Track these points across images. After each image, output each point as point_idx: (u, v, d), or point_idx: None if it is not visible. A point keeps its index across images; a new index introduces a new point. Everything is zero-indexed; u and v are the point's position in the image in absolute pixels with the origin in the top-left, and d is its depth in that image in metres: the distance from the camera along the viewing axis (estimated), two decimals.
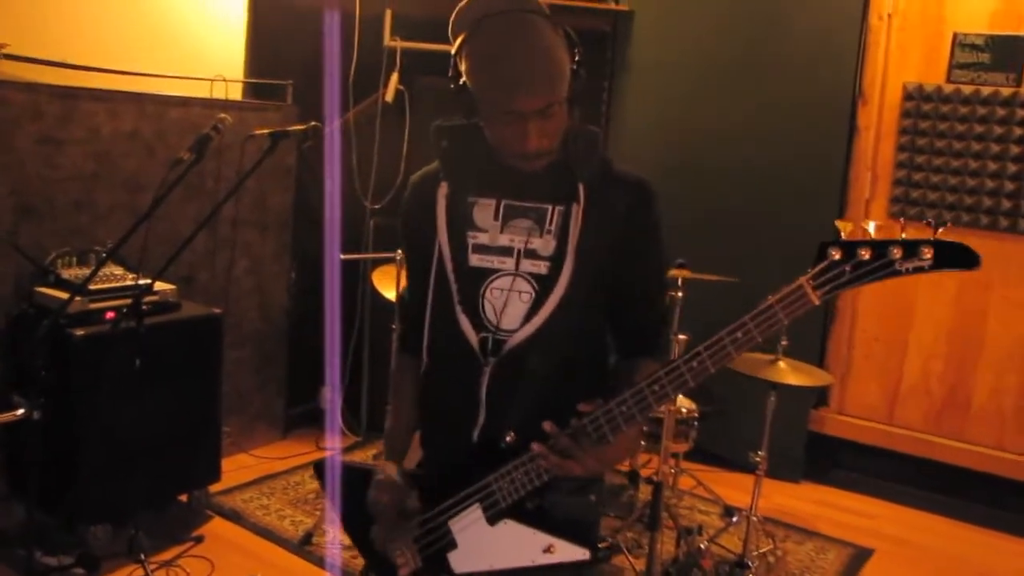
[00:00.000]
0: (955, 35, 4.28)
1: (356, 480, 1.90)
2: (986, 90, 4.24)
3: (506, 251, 1.76)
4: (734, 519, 3.90)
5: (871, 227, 1.45)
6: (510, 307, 1.75)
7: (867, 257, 1.44)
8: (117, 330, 3.16)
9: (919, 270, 1.43)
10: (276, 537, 3.75)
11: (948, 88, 4.32)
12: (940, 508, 4.47)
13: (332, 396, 4.89)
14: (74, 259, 3.59)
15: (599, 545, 1.71)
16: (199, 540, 3.64)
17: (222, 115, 2.82)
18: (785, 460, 4.60)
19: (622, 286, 1.79)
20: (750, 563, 3.42)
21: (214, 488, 3.97)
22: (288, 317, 4.70)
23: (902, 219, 1.46)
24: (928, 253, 1.41)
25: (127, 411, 3.30)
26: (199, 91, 4.15)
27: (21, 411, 2.68)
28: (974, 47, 4.26)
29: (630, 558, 3.64)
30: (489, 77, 1.65)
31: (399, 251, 3.68)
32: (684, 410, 3.81)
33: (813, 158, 4.50)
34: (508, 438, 1.71)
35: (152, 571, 3.26)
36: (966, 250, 1.41)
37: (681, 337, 3.37)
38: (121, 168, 3.81)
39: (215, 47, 4.29)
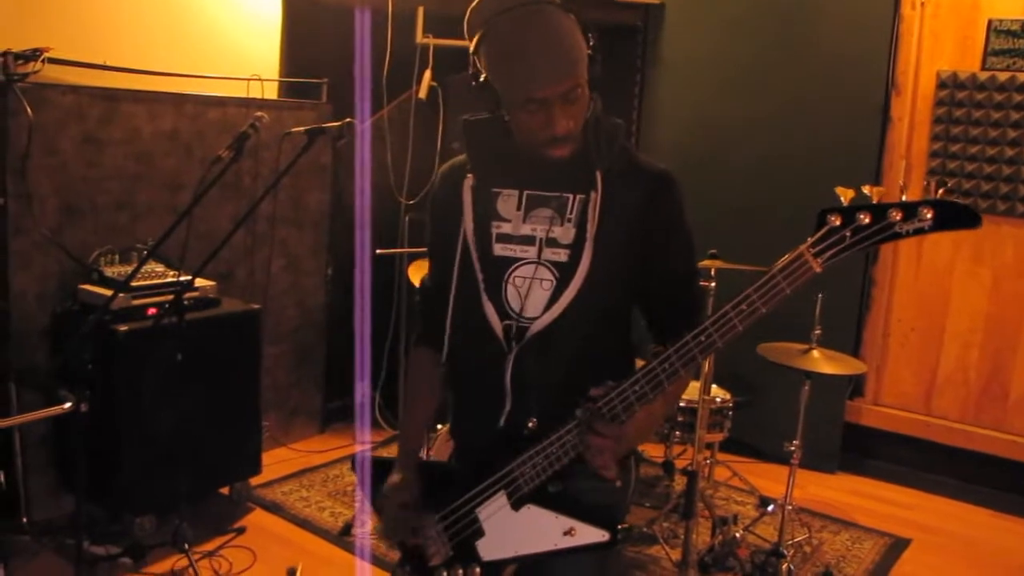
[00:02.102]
0: (990, 21, 4.24)
1: (384, 473, 1.96)
2: (1022, 76, 4.19)
3: (528, 240, 1.80)
4: (769, 508, 3.90)
5: (871, 192, 1.44)
6: (532, 295, 1.78)
7: (867, 221, 1.41)
8: (159, 326, 3.23)
9: (919, 231, 1.39)
10: (316, 528, 3.82)
11: (983, 75, 4.29)
12: (977, 498, 4.44)
13: (363, 391, 4.95)
14: (116, 257, 3.68)
15: (619, 527, 1.73)
16: (241, 531, 3.71)
17: (259, 113, 2.88)
18: (820, 451, 4.59)
19: (650, 274, 1.81)
20: (785, 552, 3.43)
21: (255, 481, 4.05)
22: (325, 313, 4.77)
23: (901, 182, 1.44)
24: (928, 214, 1.38)
25: (170, 405, 3.37)
26: (236, 91, 4.22)
27: (69, 404, 2.76)
28: (1010, 33, 4.22)
29: (666, 547, 3.66)
30: (510, 70, 1.68)
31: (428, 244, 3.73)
32: (718, 400, 3.83)
33: (846, 149, 4.48)
34: (530, 424, 1.73)
35: (196, 561, 3.33)
36: (966, 209, 1.38)
37: None
38: (161, 168, 3.89)
39: (251, 47, 4.36)
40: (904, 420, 4.66)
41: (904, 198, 1.40)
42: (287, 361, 4.61)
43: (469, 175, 1.85)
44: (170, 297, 3.29)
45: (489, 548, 1.81)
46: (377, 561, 3.56)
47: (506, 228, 1.82)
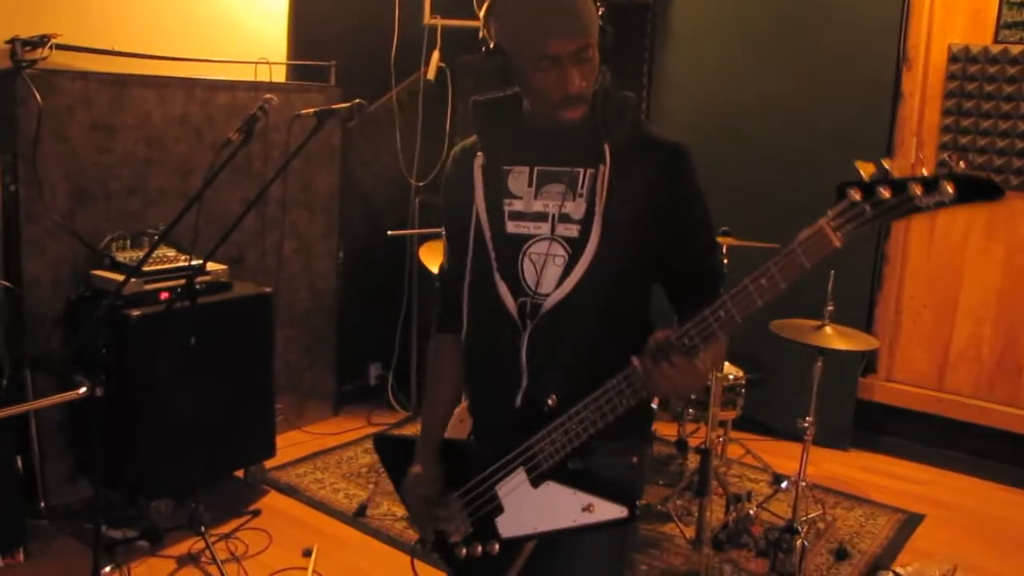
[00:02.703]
0: None
1: (407, 453, 1.98)
2: None
3: (541, 216, 1.79)
4: (783, 485, 3.91)
5: (892, 166, 1.40)
6: (546, 271, 1.77)
7: (887, 196, 1.38)
8: (172, 310, 3.24)
9: (940, 205, 1.37)
10: (331, 510, 3.84)
11: (995, 49, 4.25)
12: (991, 473, 4.43)
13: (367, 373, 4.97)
14: (128, 242, 3.69)
15: (638, 503, 1.73)
16: (256, 513, 3.74)
17: (268, 95, 2.87)
18: (834, 428, 4.59)
19: (668, 249, 1.78)
20: (799, 528, 3.44)
21: (269, 464, 4.07)
22: (337, 296, 4.78)
23: (920, 155, 1.43)
24: (950, 188, 1.35)
25: (183, 389, 3.39)
26: (244, 74, 4.21)
27: (84, 389, 2.77)
28: (1022, 5, 4.18)
29: (680, 525, 3.67)
30: (524, 25, 1.68)
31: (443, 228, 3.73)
32: (731, 377, 3.82)
33: (857, 124, 4.45)
34: (550, 401, 1.73)
35: (212, 543, 3.35)
36: (989, 182, 1.35)
37: None
38: (172, 152, 3.89)
39: (259, 30, 4.35)
40: (917, 396, 4.65)
41: (924, 172, 1.38)
42: (299, 344, 4.63)
43: (479, 154, 1.84)
44: (182, 281, 3.30)
45: (508, 525, 1.81)
46: (392, 541, 3.58)
47: (518, 205, 1.81)
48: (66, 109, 3.52)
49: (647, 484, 3.93)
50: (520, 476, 1.78)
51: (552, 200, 1.78)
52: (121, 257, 3.59)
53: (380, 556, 3.51)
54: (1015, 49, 4.20)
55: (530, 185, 1.81)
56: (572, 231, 1.76)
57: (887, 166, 1.40)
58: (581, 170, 1.77)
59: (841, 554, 3.58)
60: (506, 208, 1.82)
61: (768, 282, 1.50)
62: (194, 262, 3.47)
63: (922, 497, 4.21)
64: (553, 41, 1.64)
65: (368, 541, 3.61)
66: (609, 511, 1.72)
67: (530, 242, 1.79)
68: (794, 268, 1.48)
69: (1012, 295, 4.38)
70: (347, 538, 3.63)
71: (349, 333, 4.88)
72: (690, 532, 3.61)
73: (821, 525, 3.81)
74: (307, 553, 3.44)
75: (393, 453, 2.06)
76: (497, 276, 1.81)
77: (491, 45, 1.73)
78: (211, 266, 3.58)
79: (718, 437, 4.03)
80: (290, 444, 4.40)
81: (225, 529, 3.58)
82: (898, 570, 3.51)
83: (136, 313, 3.37)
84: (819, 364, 3.45)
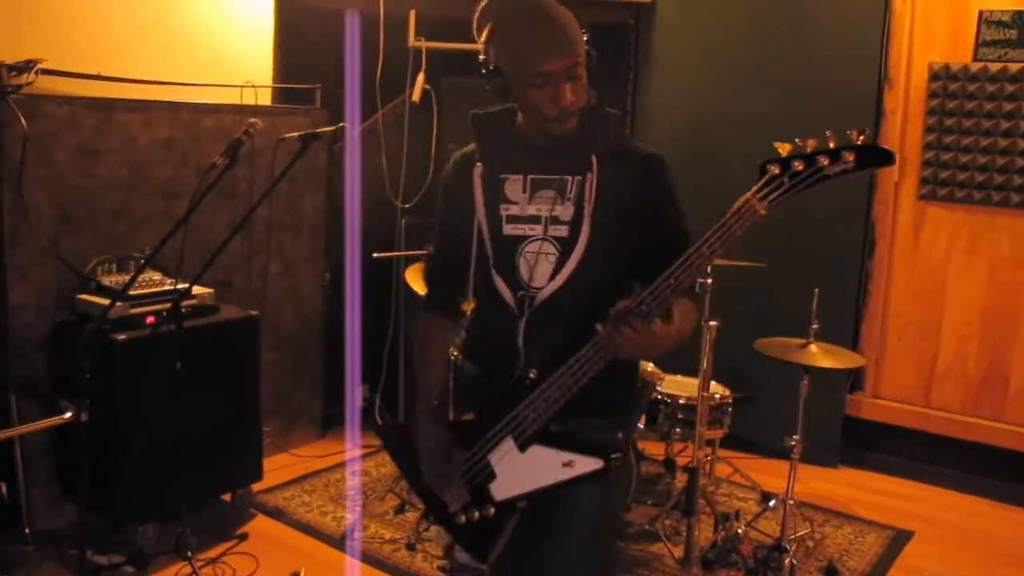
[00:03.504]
0: (981, 12, 4.25)
1: (403, 435, 2.24)
2: (1014, 67, 4.20)
3: (535, 219, 2.03)
4: (771, 504, 3.91)
5: (805, 144, 1.68)
6: (539, 267, 2.02)
7: (800, 168, 1.67)
8: (157, 334, 3.23)
9: (844, 172, 1.65)
10: (318, 533, 3.82)
11: (975, 67, 4.30)
12: (980, 489, 4.45)
13: (353, 396, 4.97)
14: (114, 266, 3.68)
15: (613, 456, 1.95)
16: (244, 537, 3.71)
17: (253, 119, 2.88)
18: (821, 445, 4.60)
19: (647, 244, 1.98)
20: (788, 547, 3.44)
21: (256, 487, 4.05)
22: (323, 318, 4.77)
23: (828, 132, 1.66)
24: (850, 157, 1.63)
25: (170, 413, 3.37)
26: (230, 98, 4.22)
27: (69, 414, 2.77)
28: (1000, 24, 4.23)
29: (668, 545, 3.67)
30: (520, 47, 1.91)
31: (431, 248, 3.74)
32: (718, 396, 3.83)
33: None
34: (531, 374, 1.97)
35: (199, 568, 3.33)
36: (882, 150, 1.64)
37: (712, 323, 3.40)
38: (157, 176, 3.89)
39: (244, 54, 4.37)
40: (904, 413, 4.67)
41: (831, 145, 1.65)
42: (286, 367, 4.61)
43: (478, 164, 2.07)
44: (168, 305, 3.28)
45: (500, 488, 2.05)
46: (380, 564, 3.56)
47: (514, 210, 2.04)
48: (51, 133, 3.52)
49: (635, 503, 3.92)
50: (508, 443, 2.01)
51: (544, 204, 2.02)
52: (107, 281, 3.58)
53: None
54: (994, 67, 4.25)
55: (524, 191, 2.04)
56: (562, 231, 2.00)
57: (801, 144, 1.68)
58: (569, 177, 2.01)
59: (830, 572, 3.58)
60: (503, 212, 2.05)
61: (708, 249, 1.76)
62: (180, 286, 3.45)
63: (911, 513, 4.22)
64: (547, 60, 1.87)
65: (356, 564, 3.58)
66: (587, 464, 1.94)
67: (525, 242, 2.03)
68: (728, 237, 1.75)
69: (996, 311, 4.41)
70: (334, 561, 3.61)
71: (336, 355, 4.87)
72: (678, 551, 3.60)
73: (810, 543, 3.81)
74: None
75: (398, 439, 2.32)
76: (494, 272, 2.05)
77: (490, 67, 1.96)
78: (197, 289, 3.58)
79: (706, 456, 4.03)
80: (277, 467, 4.38)
81: (212, 553, 3.56)
82: None
83: (122, 337, 3.36)
84: (805, 382, 3.46)
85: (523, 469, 2.00)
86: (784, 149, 1.69)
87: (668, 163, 2.03)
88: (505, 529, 2.06)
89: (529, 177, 2.04)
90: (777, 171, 1.68)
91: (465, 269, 2.09)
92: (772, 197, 1.70)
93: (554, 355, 1.93)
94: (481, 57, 1.99)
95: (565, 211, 1.99)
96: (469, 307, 2.24)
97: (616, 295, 1.97)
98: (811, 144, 1.67)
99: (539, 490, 1.99)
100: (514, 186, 2.05)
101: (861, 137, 1.63)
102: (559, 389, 1.92)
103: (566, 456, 1.95)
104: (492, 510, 2.06)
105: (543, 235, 2.01)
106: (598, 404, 1.98)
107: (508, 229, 2.04)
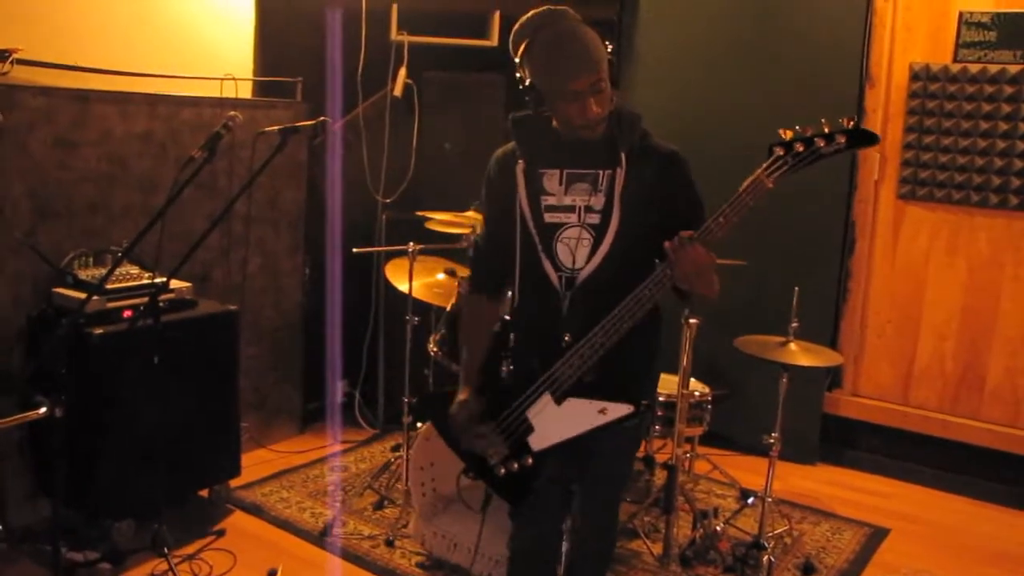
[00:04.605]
0: (961, 13, 4.27)
1: (444, 403, 2.52)
2: (993, 68, 4.23)
3: (570, 209, 2.33)
4: (750, 501, 3.93)
5: (803, 130, 2.07)
6: (578, 251, 2.32)
7: (801, 149, 2.06)
8: (135, 328, 3.20)
9: (838, 151, 2.04)
10: (296, 529, 3.80)
11: (955, 67, 4.32)
12: (956, 487, 4.48)
13: (334, 391, 4.96)
14: (90, 259, 3.64)
15: (643, 402, 2.28)
16: (221, 534, 3.69)
17: (232, 112, 2.86)
18: (800, 443, 4.62)
19: (670, 228, 2.17)
20: (766, 544, 3.45)
21: (234, 483, 4.03)
22: (303, 313, 4.75)
23: (823, 119, 2.04)
24: (842, 139, 2.03)
25: (147, 408, 3.34)
26: (209, 91, 4.19)
27: (44, 409, 2.74)
28: (980, 25, 4.25)
29: (647, 542, 3.67)
30: (551, 69, 2.21)
31: (411, 243, 3.73)
32: (697, 394, 3.84)
33: None
34: (566, 338, 2.27)
35: (176, 565, 3.31)
36: (867, 132, 2.06)
37: (692, 321, 3.40)
38: (135, 169, 3.85)
39: (224, 46, 4.33)
40: (882, 411, 4.69)
41: (826, 130, 2.04)
42: (265, 362, 4.59)
43: (520, 161, 2.36)
44: (146, 299, 3.26)
45: (539, 439, 2.35)
46: (359, 561, 3.55)
47: (552, 200, 2.34)
48: (27, 125, 3.47)
49: None
50: (546, 398, 2.31)
51: (579, 196, 2.33)
52: (83, 275, 3.54)
53: None
54: (974, 68, 4.27)
55: (561, 184, 2.35)
56: (595, 219, 2.31)
57: (801, 130, 2.06)
58: (601, 172, 2.31)
59: (808, 569, 3.60)
60: (543, 202, 2.34)
61: (724, 219, 2.11)
62: (158, 280, 3.43)
63: (888, 511, 4.24)
64: (574, 79, 2.17)
65: (334, 561, 3.57)
66: (619, 410, 2.25)
67: (562, 229, 2.33)
68: (743, 207, 2.10)
69: (974, 311, 4.44)
70: (313, 558, 3.60)
71: (315, 350, 4.85)
72: (657, 549, 3.61)
73: (788, 540, 3.83)
74: (272, 574, 3.40)
75: (435, 407, 2.58)
76: (543, 257, 2.33)
77: (527, 82, 2.26)
78: (175, 283, 3.55)
79: (685, 453, 4.05)
80: (255, 463, 4.35)
81: (189, 550, 3.53)
82: None
83: (98, 331, 3.32)
84: (785, 380, 3.47)
85: (559, 420, 2.30)
86: (787, 135, 2.07)
87: (686, 158, 2.37)
88: (540, 475, 2.38)
89: (565, 172, 2.34)
90: (782, 152, 2.07)
91: (510, 255, 2.37)
92: (778, 174, 2.08)
93: (589, 323, 2.24)
94: (518, 74, 2.29)
95: (597, 201, 2.30)
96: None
97: (642, 272, 2.25)
98: (809, 131, 2.06)
99: (575, 437, 2.29)
100: (552, 179, 2.35)
101: (851, 123, 2.01)
102: (592, 347, 2.23)
103: (599, 404, 2.25)
104: (530, 460, 2.37)
105: (579, 222, 2.31)
106: (625, 359, 2.29)
107: (548, 217, 2.33)
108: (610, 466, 2.45)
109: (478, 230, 2.65)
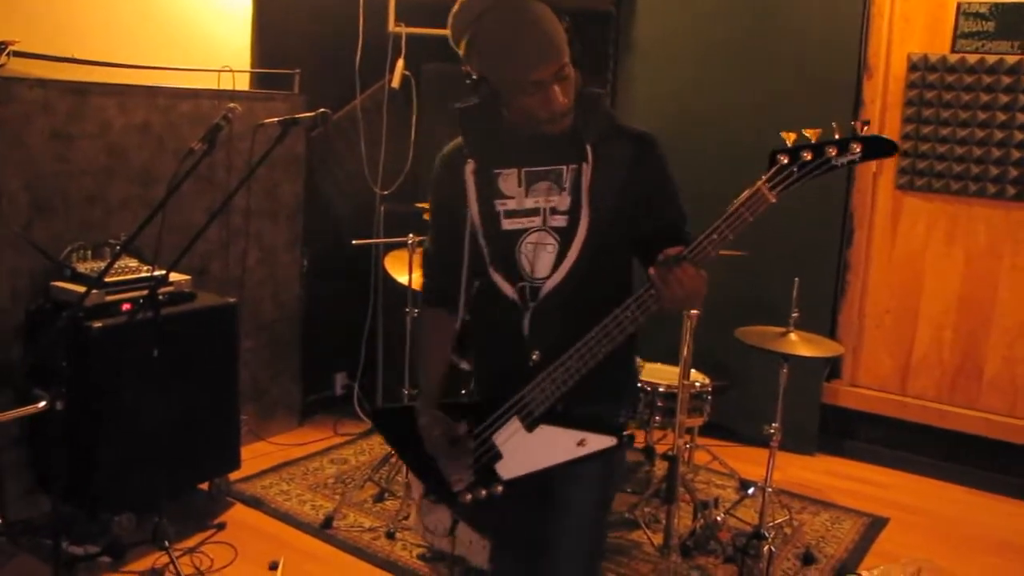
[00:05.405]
0: (959, 4, 4.27)
1: (405, 418, 2.21)
2: (991, 59, 4.23)
3: (533, 212, 2.03)
4: (750, 491, 3.93)
5: (810, 134, 1.71)
6: (539, 259, 2.02)
7: (809, 158, 1.70)
8: (134, 321, 3.19)
9: (852, 162, 1.69)
10: (297, 522, 3.80)
11: (953, 58, 4.32)
12: (954, 476, 4.50)
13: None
14: (89, 253, 3.63)
15: (624, 433, 2.00)
16: (221, 527, 3.69)
17: (231, 104, 2.85)
18: (799, 433, 4.63)
19: (644, 224, 1.99)
20: (766, 534, 3.45)
21: (234, 476, 4.02)
22: (301, 305, 4.74)
23: (833, 123, 1.71)
24: (858, 148, 1.67)
25: (146, 401, 3.34)
26: (207, 83, 4.17)
27: (43, 403, 2.73)
28: (978, 16, 4.25)
29: (648, 532, 3.68)
30: (507, 61, 1.89)
31: (410, 235, 3.72)
32: (698, 384, 3.84)
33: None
34: (534, 356, 1.98)
35: (177, 558, 3.30)
36: (886, 140, 1.69)
37: (692, 312, 3.40)
38: (133, 161, 3.84)
39: (222, 38, 4.31)
40: (881, 401, 4.70)
41: (836, 136, 1.68)
42: (264, 354, 4.58)
43: (469, 160, 2.05)
44: (145, 292, 3.25)
45: (508, 468, 2.06)
46: (359, 553, 3.55)
47: (511, 204, 2.04)
48: (24, 117, 3.46)
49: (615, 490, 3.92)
50: (515, 424, 2.03)
51: (541, 196, 2.02)
52: (82, 268, 3.53)
53: (347, 568, 3.48)
54: (972, 58, 4.27)
55: (520, 185, 2.04)
56: (560, 221, 2.00)
57: (806, 134, 1.70)
58: (564, 167, 2.01)
59: (808, 559, 3.61)
60: (500, 208, 2.04)
61: (719, 236, 1.78)
62: (157, 272, 3.42)
63: (887, 500, 4.26)
64: (536, 69, 1.86)
65: (335, 553, 3.57)
66: (601, 442, 1.98)
67: (525, 235, 2.03)
68: (740, 223, 1.77)
69: (972, 301, 4.45)
70: (314, 550, 3.60)
71: (314, 343, 4.85)
72: (658, 539, 3.61)
73: (788, 530, 3.84)
74: (273, 566, 3.41)
75: (394, 422, 2.32)
76: (491, 269, 2.04)
77: (474, 76, 1.94)
78: (174, 276, 3.53)
79: (685, 444, 4.04)
80: (255, 455, 4.35)
81: (189, 543, 3.53)
82: (864, 573, 3.53)
83: (97, 325, 3.31)
84: (784, 370, 3.47)
85: (532, 449, 2.03)
86: (790, 138, 1.72)
87: (659, 141, 2.04)
88: (511, 505, 2.08)
89: (523, 170, 2.03)
90: (786, 160, 1.71)
91: (461, 266, 2.08)
92: (782, 187, 1.73)
93: (559, 341, 1.94)
94: (464, 67, 1.96)
95: (562, 201, 2.00)
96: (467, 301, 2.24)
97: (618, 280, 2.07)
98: (813, 134, 1.70)
99: (549, 468, 2.01)
100: (508, 180, 2.04)
101: (864, 127, 1.67)
102: (566, 371, 1.93)
103: (578, 435, 1.98)
104: (500, 488, 2.07)
105: (542, 226, 2.01)
106: (602, 384, 1.99)
107: (507, 224, 2.03)
108: (582, 508, 2.07)
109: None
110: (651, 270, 1.81)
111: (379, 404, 2.62)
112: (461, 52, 1.96)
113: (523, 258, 2.03)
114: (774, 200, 1.73)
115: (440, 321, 2.24)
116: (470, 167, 2.05)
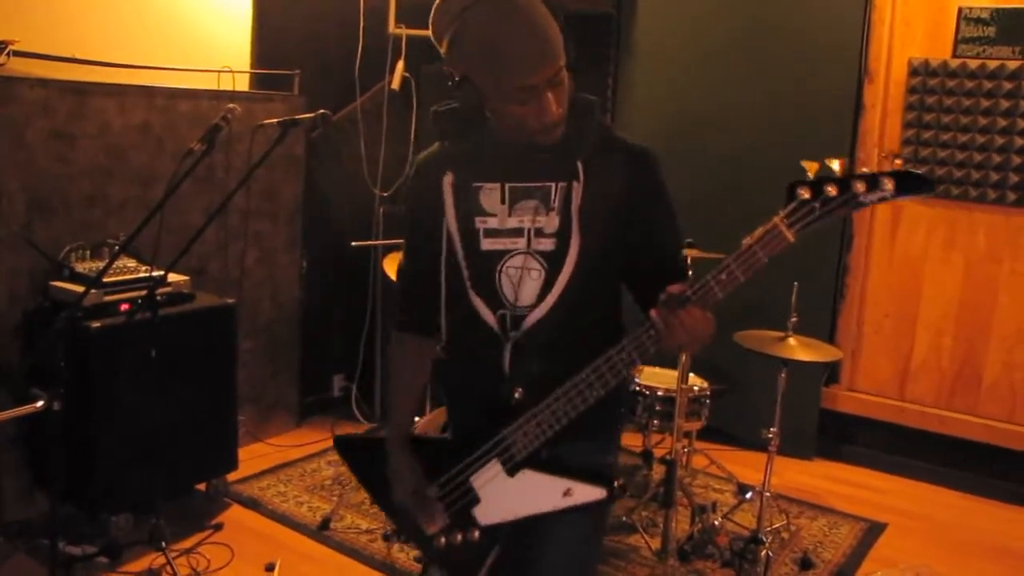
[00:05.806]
0: (960, 9, 4.26)
1: (373, 454, 2.01)
2: (992, 64, 4.23)
3: (517, 232, 1.81)
4: (748, 496, 3.93)
5: (836, 165, 1.52)
6: (524, 285, 1.81)
7: (834, 193, 1.50)
8: (132, 321, 3.19)
9: (882, 199, 1.49)
10: (294, 523, 3.79)
11: (954, 63, 4.31)
12: (952, 482, 4.49)
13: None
14: (88, 253, 3.63)
15: (615, 484, 1.81)
16: (218, 528, 3.69)
17: (231, 105, 2.84)
18: (798, 437, 4.62)
19: (637, 249, 1.83)
20: (764, 539, 3.45)
21: (232, 477, 4.02)
22: (300, 306, 4.74)
23: (860, 155, 1.51)
24: (889, 184, 1.47)
25: (144, 402, 3.34)
26: (207, 83, 4.17)
27: (41, 403, 2.72)
28: (979, 21, 4.25)
29: (645, 536, 3.67)
30: (495, 63, 1.65)
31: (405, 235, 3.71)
32: (696, 388, 3.84)
33: (819, 137, 4.47)
34: (516, 394, 1.79)
35: (173, 559, 3.30)
36: (922, 177, 1.47)
37: None
38: (132, 162, 3.84)
39: (222, 39, 4.31)
40: (879, 406, 4.70)
41: (864, 170, 1.49)
42: (262, 355, 4.58)
43: (448, 172, 1.84)
44: (143, 293, 3.25)
45: (487, 513, 1.88)
46: (356, 555, 3.55)
47: (493, 223, 1.82)
48: (24, 117, 3.46)
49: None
50: (495, 467, 1.84)
51: (526, 215, 1.80)
52: (80, 268, 3.53)
53: (344, 570, 3.47)
54: (973, 63, 4.26)
55: (503, 202, 1.82)
56: (547, 244, 1.79)
57: (830, 164, 1.51)
58: (552, 184, 1.79)
59: (805, 564, 3.60)
60: (480, 226, 1.82)
61: (728, 276, 1.60)
62: (155, 273, 3.42)
63: (884, 506, 4.25)
64: (529, 74, 1.64)
65: (332, 555, 3.57)
66: (589, 493, 1.80)
67: (506, 257, 1.82)
68: (752, 262, 1.58)
69: (971, 306, 4.45)
70: (310, 552, 3.59)
71: (313, 344, 4.84)
72: (655, 543, 3.61)
73: (785, 535, 3.83)
74: (270, 568, 3.40)
75: (358, 454, 2.12)
76: (472, 292, 1.84)
77: (456, 79, 1.72)
78: (173, 277, 3.53)
79: (683, 448, 4.04)
80: (253, 456, 4.34)
81: (186, 544, 3.53)
82: None
83: (96, 325, 3.31)
84: (783, 375, 3.47)
85: (513, 494, 1.84)
86: (811, 169, 1.52)
87: (657, 157, 1.85)
88: (490, 552, 1.92)
89: (508, 186, 1.81)
90: (808, 195, 1.51)
91: (439, 286, 1.88)
92: (802, 224, 1.53)
93: (543, 377, 1.76)
94: (445, 67, 1.73)
95: (549, 222, 1.78)
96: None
97: (608, 312, 1.89)
98: (838, 164, 1.52)
99: (531, 517, 1.84)
100: (491, 196, 1.82)
101: (898, 161, 1.52)
102: (553, 415, 1.75)
103: (564, 483, 1.80)
104: (477, 533, 1.90)
105: (526, 248, 1.80)
106: (589, 427, 1.80)
107: (487, 244, 1.82)
108: (568, 559, 1.90)
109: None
110: (652, 312, 1.63)
111: (343, 436, 2.28)
112: (443, 51, 1.73)
113: (505, 283, 1.82)
114: (792, 239, 1.53)
115: (414, 347, 2.02)
116: (448, 179, 1.83)
